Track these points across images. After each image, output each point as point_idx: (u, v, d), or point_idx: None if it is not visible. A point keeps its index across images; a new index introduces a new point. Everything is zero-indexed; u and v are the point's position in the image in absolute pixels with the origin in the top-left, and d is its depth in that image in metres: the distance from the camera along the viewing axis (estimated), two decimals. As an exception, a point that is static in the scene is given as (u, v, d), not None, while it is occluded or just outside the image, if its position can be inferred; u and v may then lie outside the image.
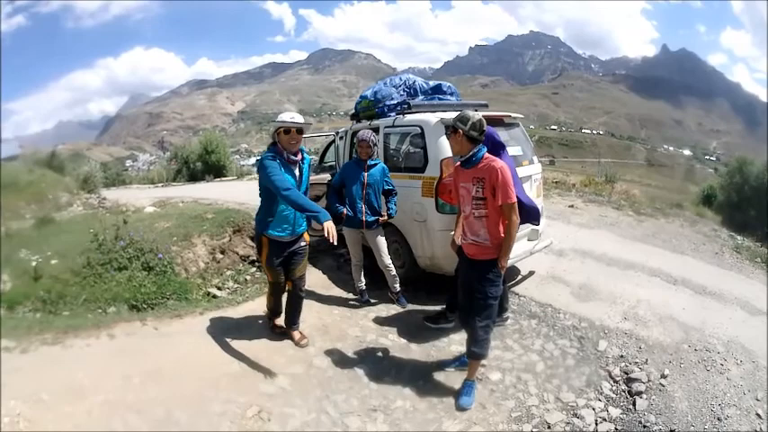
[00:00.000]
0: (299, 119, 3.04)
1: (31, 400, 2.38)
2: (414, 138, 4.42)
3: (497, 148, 3.28)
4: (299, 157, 3.08)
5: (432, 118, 4.08)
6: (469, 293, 2.84)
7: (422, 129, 4.12)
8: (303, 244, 3.28)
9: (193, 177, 13.70)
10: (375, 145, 3.94)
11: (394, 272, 4.11)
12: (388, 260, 4.06)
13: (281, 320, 3.56)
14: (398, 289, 4.18)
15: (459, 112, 2.79)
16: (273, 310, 3.53)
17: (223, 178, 13.10)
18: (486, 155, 2.74)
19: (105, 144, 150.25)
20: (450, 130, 2.76)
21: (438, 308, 3.93)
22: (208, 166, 13.94)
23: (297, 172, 3.07)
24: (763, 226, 8.86)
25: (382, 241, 4.06)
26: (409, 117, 4.33)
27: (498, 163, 2.65)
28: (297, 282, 3.35)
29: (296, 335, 3.46)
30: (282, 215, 3.06)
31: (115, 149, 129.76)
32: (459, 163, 2.85)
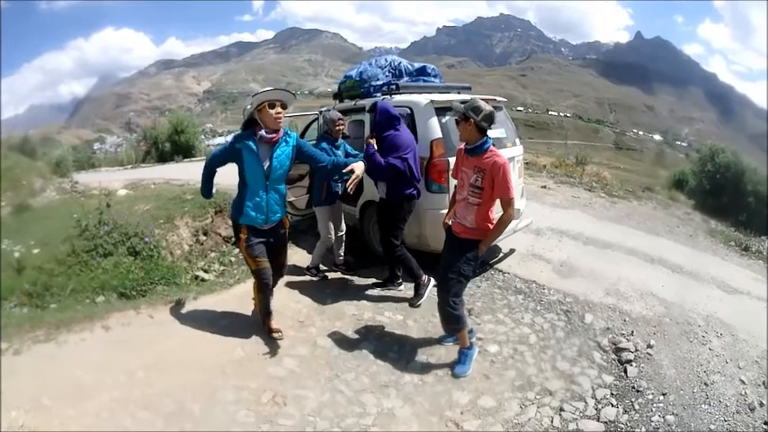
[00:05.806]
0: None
1: (33, 407, 2.26)
2: (402, 118, 4.43)
3: (393, 121, 3.62)
4: (278, 135, 2.85)
5: (422, 99, 4.12)
6: (445, 269, 2.91)
7: (411, 110, 4.13)
8: (282, 231, 3.11)
9: (162, 158, 13.15)
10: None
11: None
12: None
13: (276, 323, 3.25)
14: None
15: (470, 100, 2.80)
16: (265, 312, 3.19)
17: (192, 159, 12.67)
18: (491, 148, 2.76)
19: (75, 127, 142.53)
20: (461, 117, 2.75)
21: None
22: (177, 147, 13.44)
23: (267, 160, 2.84)
24: (738, 213, 9.29)
25: None
26: (398, 98, 4.33)
27: (501, 159, 2.70)
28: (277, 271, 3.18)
29: (273, 324, 3.25)
30: (255, 202, 2.87)
31: (84, 132, 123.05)
32: (463, 148, 2.88)
